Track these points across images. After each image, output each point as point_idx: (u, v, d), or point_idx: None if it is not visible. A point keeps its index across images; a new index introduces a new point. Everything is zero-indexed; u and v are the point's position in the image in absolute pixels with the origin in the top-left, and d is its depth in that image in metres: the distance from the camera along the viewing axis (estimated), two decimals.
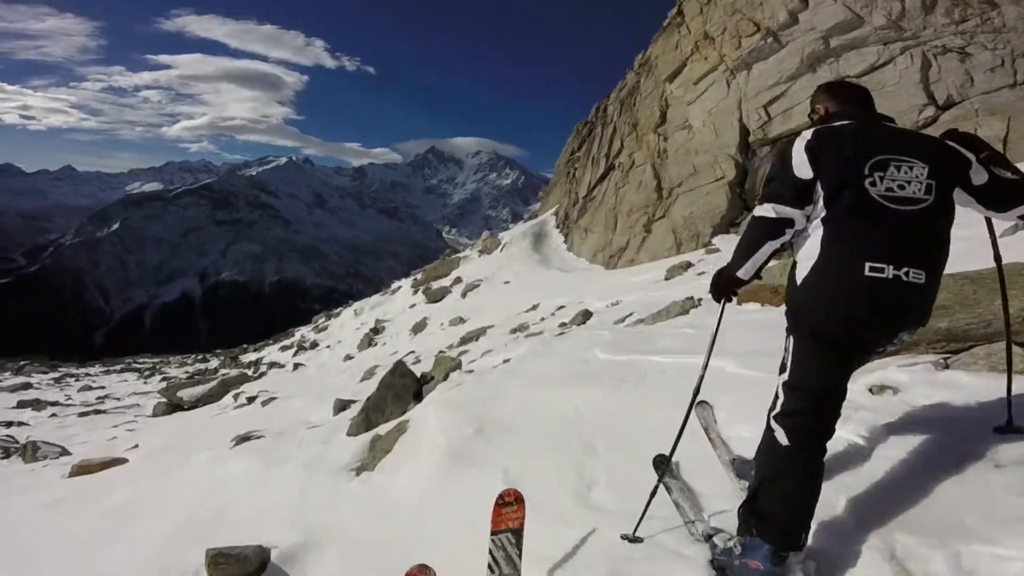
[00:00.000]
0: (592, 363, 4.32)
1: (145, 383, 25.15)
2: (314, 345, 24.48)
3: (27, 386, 21.74)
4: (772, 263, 2.36)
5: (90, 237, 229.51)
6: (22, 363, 32.19)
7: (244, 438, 6.58)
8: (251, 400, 13.86)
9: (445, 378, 5.58)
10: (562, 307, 11.92)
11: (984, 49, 11.43)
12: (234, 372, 23.35)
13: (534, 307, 13.56)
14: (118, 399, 18.66)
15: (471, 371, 5.96)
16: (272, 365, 23.82)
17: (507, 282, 18.78)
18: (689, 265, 9.88)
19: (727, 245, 11.21)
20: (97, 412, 15.33)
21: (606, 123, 23.57)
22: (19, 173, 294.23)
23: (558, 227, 24.92)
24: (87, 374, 29.88)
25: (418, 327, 18.83)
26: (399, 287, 26.31)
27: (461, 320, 16.70)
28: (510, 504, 2.13)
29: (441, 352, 5.62)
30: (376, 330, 21.44)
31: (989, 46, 11.42)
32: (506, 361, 5.91)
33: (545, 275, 18.08)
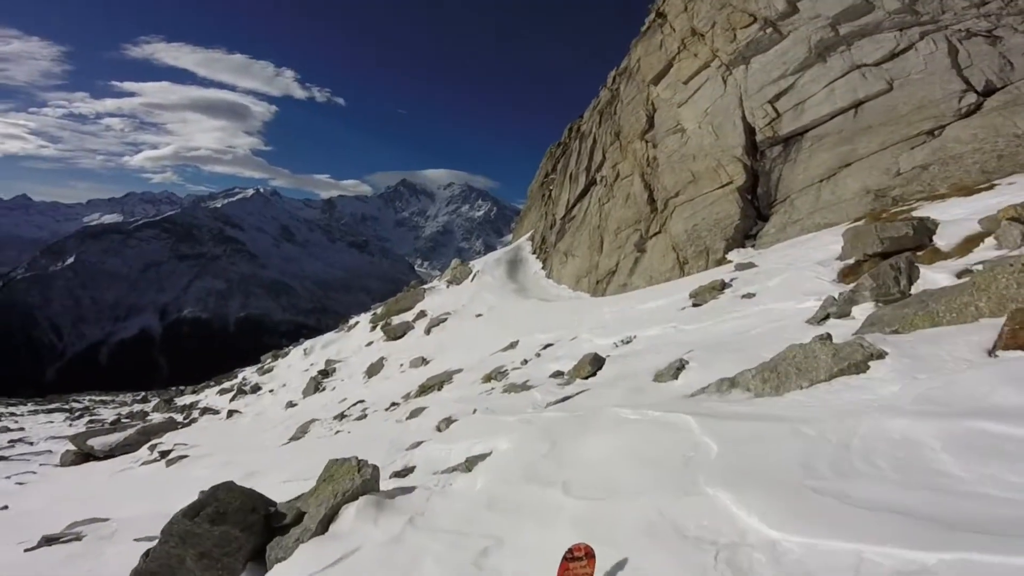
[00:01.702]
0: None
1: (71, 425, 22.59)
2: (255, 389, 20.90)
3: None
4: None
5: (43, 271, 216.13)
6: None
7: (52, 539, 5.36)
8: (164, 455, 12.33)
9: (325, 526, 2.72)
10: (548, 345, 9.20)
11: (1015, 32, 10.23)
12: (160, 418, 19.63)
13: (512, 345, 10.80)
14: (31, 444, 17.28)
15: (402, 490, 3.11)
16: (205, 411, 20.22)
17: (479, 315, 15.96)
18: (724, 285, 7.30)
19: (759, 260, 8.70)
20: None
21: (583, 136, 21.46)
22: None
23: (534, 252, 22.40)
24: (12, 414, 26.21)
25: (373, 369, 15.76)
26: (356, 323, 23.12)
27: (423, 361, 13.76)
28: (579, 559, 1.86)
29: (335, 462, 2.84)
30: (325, 372, 18.17)
31: (1020, 28, 10.23)
32: (478, 459, 3.14)
33: (524, 306, 15.36)
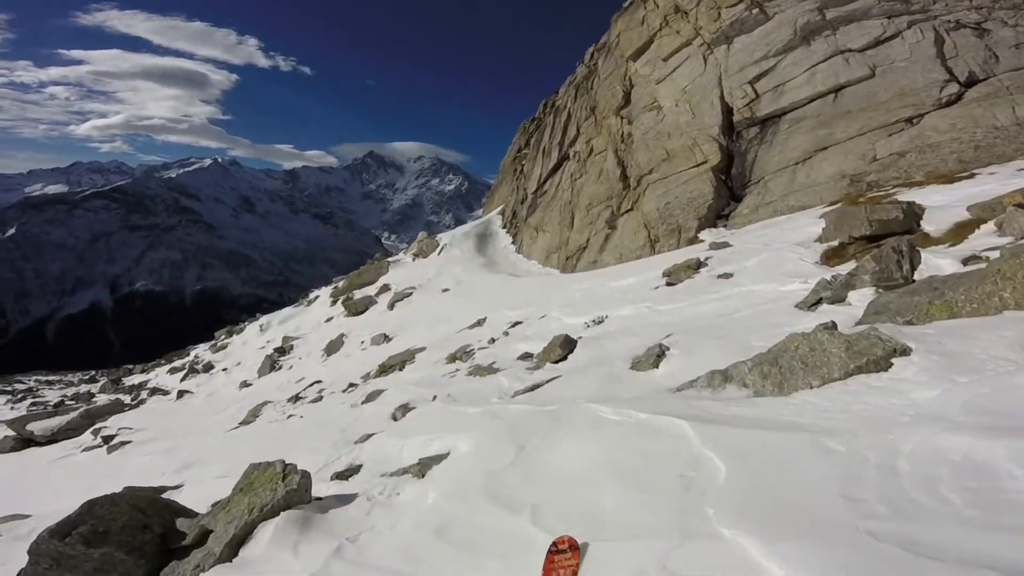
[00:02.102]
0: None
1: (12, 408, 21.24)
2: (208, 368, 19.84)
3: None
4: None
5: None
6: None
7: None
8: (107, 441, 11.63)
9: (233, 550, 2.20)
10: (517, 324, 8.73)
11: (1004, 25, 10.21)
12: (105, 400, 18.44)
13: (479, 322, 10.30)
14: None
15: (339, 500, 2.61)
16: (155, 391, 19.11)
17: (446, 290, 15.36)
18: (700, 264, 6.93)
19: (733, 240, 8.40)
20: None
21: (558, 111, 20.79)
22: None
23: (505, 227, 21.81)
24: None
25: (332, 347, 15.02)
26: (316, 297, 22.14)
27: (385, 338, 13.14)
28: (563, 551, 1.75)
29: (257, 467, 2.37)
30: (282, 350, 17.31)
31: (1009, 22, 10.20)
32: (433, 462, 2.67)
33: (492, 281, 14.82)
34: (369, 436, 4.20)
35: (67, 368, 41.84)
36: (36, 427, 13.35)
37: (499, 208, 25.01)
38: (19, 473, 10.40)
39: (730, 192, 11.43)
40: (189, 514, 2.74)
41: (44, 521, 5.67)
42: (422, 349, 9.56)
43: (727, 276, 6.07)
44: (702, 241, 10.14)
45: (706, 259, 7.14)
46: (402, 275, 18.54)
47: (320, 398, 9.37)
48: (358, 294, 18.53)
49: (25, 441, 12.99)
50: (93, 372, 34.44)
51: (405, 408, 5.16)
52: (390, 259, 21.48)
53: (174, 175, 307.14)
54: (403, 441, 3.56)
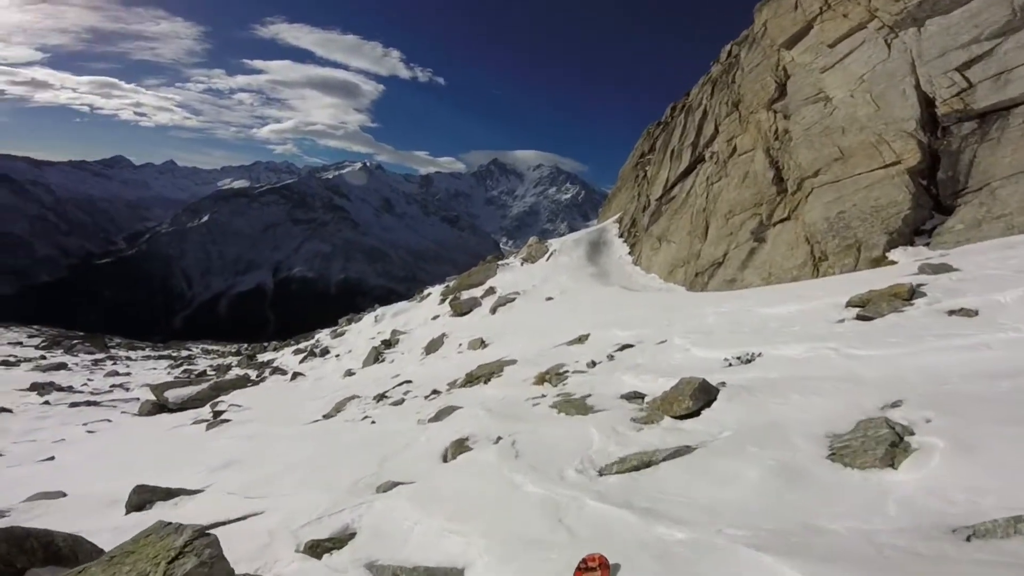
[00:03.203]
0: None
1: (168, 374, 23.47)
2: (324, 352, 20.59)
3: (61, 366, 21.45)
4: None
5: (182, 227, 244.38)
6: (75, 342, 31.08)
7: None
8: (215, 416, 11.93)
9: None
10: (627, 347, 7.02)
11: None
12: (231, 376, 19.94)
13: (581, 339, 8.73)
14: (127, 390, 17.95)
15: None
16: (276, 371, 20.17)
17: (550, 298, 13.98)
18: (913, 293, 4.69)
19: (956, 261, 5.85)
20: (89, 404, 14.64)
21: (691, 110, 18.38)
22: (128, 165, 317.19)
23: (621, 236, 19.87)
24: (128, 358, 28.52)
25: (432, 345, 14.39)
26: (429, 294, 22.03)
27: (482, 343, 12.11)
28: (593, 570, 1.80)
29: (158, 529, 1.35)
30: (389, 343, 17.18)
31: None
32: None
33: (602, 293, 13.10)
34: (395, 486, 2.96)
35: (231, 339, 47.99)
36: (171, 394, 14.23)
37: (616, 216, 23.09)
38: (134, 440, 10.71)
39: (935, 201, 8.52)
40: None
41: (66, 505, 5.26)
42: (513, 362, 8.24)
43: (968, 313, 3.85)
44: (893, 263, 7.51)
45: (918, 286, 4.86)
46: (509, 279, 17.54)
47: (402, 401, 8.50)
48: (465, 295, 17.90)
49: (160, 406, 13.79)
50: (244, 346, 38.63)
51: (460, 446, 3.87)
52: (500, 262, 20.69)
53: (331, 176, 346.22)
54: (418, 518, 2.23)
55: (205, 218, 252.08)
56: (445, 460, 3.84)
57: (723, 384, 3.86)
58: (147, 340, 39.47)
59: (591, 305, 11.64)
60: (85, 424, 12.07)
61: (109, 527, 4.26)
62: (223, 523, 3.45)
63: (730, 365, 4.61)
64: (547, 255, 18.42)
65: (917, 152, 8.86)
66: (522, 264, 19.09)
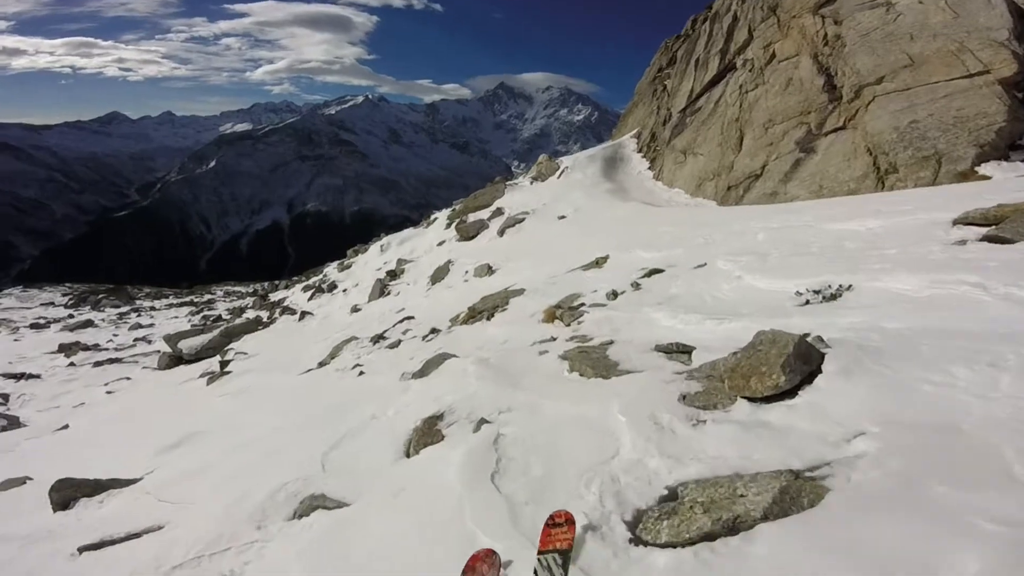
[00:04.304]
0: None
1: (188, 321, 22.97)
2: (332, 287, 19.66)
3: (88, 324, 21.42)
4: None
5: (191, 174, 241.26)
6: (100, 296, 30.84)
7: None
8: (223, 367, 11.22)
9: None
10: (656, 272, 5.67)
11: None
12: (242, 320, 19.24)
13: (598, 262, 7.41)
14: (149, 343, 17.73)
15: None
16: (285, 311, 19.41)
17: (562, 217, 12.50)
18: None
19: None
20: (112, 361, 14.53)
21: (717, 18, 15.75)
22: (125, 120, 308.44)
23: (640, 151, 17.86)
24: (152, 308, 28.28)
25: (438, 274, 13.25)
26: (435, 218, 20.56)
27: (489, 270, 10.89)
28: (560, 525, 1.77)
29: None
30: (394, 273, 16.09)
31: None
32: None
33: (621, 210, 11.54)
34: (316, 509, 1.85)
35: (254, 278, 47.87)
36: (185, 345, 13.60)
37: (633, 132, 20.82)
38: (133, 404, 10.06)
39: None
40: None
41: (13, 497, 4.44)
42: (520, 292, 7.02)
43: None
44: (985, 177, 5.97)
45: None
46: (518, 199, 15.95)
47: (398, 343, 7.46)
48: (471, 217, 16.44)
49: (176, 358, 13.23)
50: (264, 284, 38.04)
51: (430, 430, 2.77)
52: (508, 182, 18.93)
53: (333, 112, 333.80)
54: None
55: (212, 163, 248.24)
56: (407, 455, 2.73)
57: (820, 341, 2.51)
58: (175, 286, 39.36)
59: (609, 223, 10.16)
60: (106, 384, 11.89)
61: (23, 533, 3.36)
62: (111, 541, 2.51)
63: (806, 302, 3.28)
64: (559, 172, 16.65)
65: (1012, 62, 6.97)
66: (532, 183, 17.38)
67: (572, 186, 14.65)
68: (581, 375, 3.35)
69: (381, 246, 20.62)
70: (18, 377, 12.88)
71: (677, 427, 2.28)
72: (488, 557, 1.75)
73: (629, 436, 2.21)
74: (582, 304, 5.25)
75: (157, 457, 4.46)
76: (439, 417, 3.01)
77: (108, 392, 11.32)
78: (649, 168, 16.08)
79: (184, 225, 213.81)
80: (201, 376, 11.14)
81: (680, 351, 3.26)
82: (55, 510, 3.63)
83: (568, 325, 4.88)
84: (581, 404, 2.70)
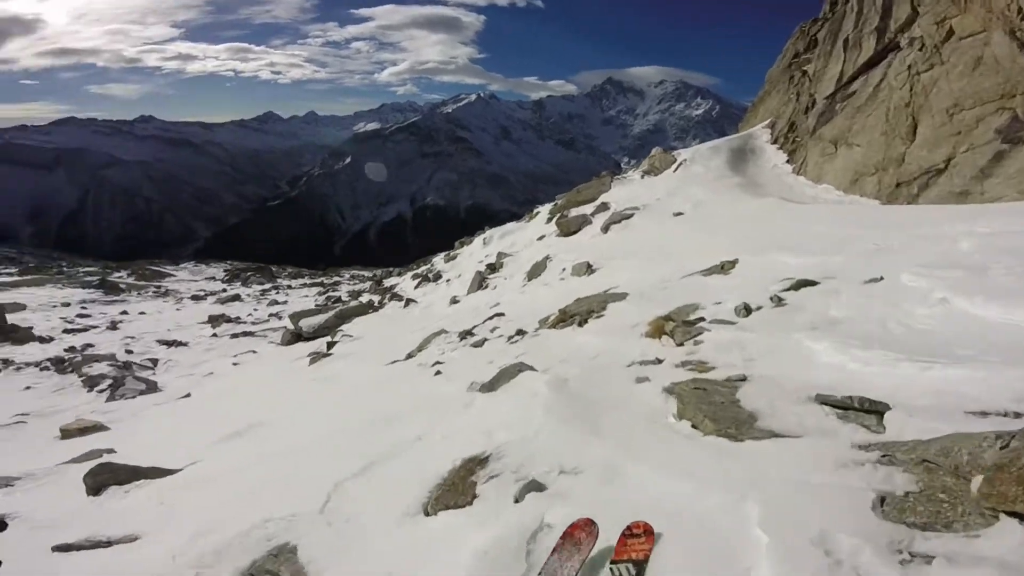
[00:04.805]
0: None
1: (315, 300, 24.78)
2: (437, 277, 19.92)
3: (235, 298, 23.46)
4: None
5: (330, 169, 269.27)
6: (248, 274, 34.87)
7: None
8: (329, 347, 11.49)
9: None
10: (805, 284, 4.33)
11: None
12: (355, 303, 20.24)
13: (723, 267, 6.11)
14: (280, 319, 18.55)
15: None
16: (394, 297, 20.11)
17: (678, 214, 11.05)
18: None
19: None
20: (246, 334, 15.66)
21: None
22: (279, 120, 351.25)
23: (775, 142, 15.54)
24: (289, 287, 31.09)
25: (535, 270, 12.55)
26: (538, 212, 19.88)
27: (589, 268, 9.93)
28: (638, 536, 1.68)
29: None
30: (494, 267, 15.70)
31: None
32: None
33: (752, 206, 9.82)
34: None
35: (380, 263, 51.72)
36: (304, 323, 14.14)
37: (766, 122, 18.25)
38: (248, 377, 10.65)
39: None
40: None
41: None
42: (622, 296, 5.99)
43: None
44: None
45: None
46: (625, 194, 14.65)
47: (482, 342, 6.85)
48: (573, 212, 15.48)
49: (297, 335, 13.82)
50: (388, 269, 40.49)
51: (462, 484, 2.03)
52: (616, 177, 17.60)
53: (450, 110, 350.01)
54: None
55: (348, 160, 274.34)
56: (425, 511, 2.01)
57: None
58: (314, 268, 43.72)
59: (737, 221, 8.62)
60: (235, 356, 12.71)
61: (50, 518, 3.28)
62: (79, 546, 2.61)
63: None
64: (675, 166, 15.01)
65: None
66: (643, 177, 15.92)
67: (691, 180, 13.02)
68: (695, 426, 2.36)
69: (484, 239, 20.44)
70: (169, 344, 14.24)
71: (873, 570, 1.25)
72: (587, 526, 1.74)
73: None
74: (700, 319, 4.14)
75: (211, 447, 4.32)
76: (482, 461, 2.27)
77: (235, 364, 12.11)
78: (788, 161, 13.87)
79: (323, 215, 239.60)
80: (309, 355, 11.61)
81: (863, 409, 2.13)
82: (88, 494, 3.59)
83: (681, 344, 3.82)
84: (689, 481, 1.76)
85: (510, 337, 6.51)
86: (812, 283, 4.15)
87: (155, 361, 12.57)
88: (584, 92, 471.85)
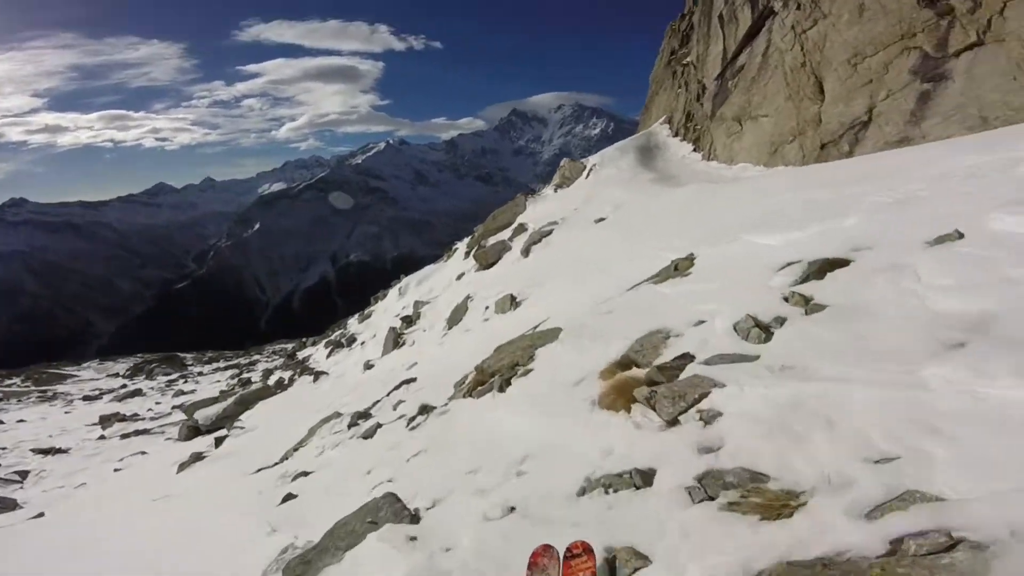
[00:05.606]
0: None
1: (227, 385, 22.08)
2: (351, 341, 17.48)
3: (137, 393, 21.07)
4: None
5: (239, 238, 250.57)
6: (153, 365, 30.38)
7: None
8: (217, 443, 10.21)
9: None
10: (829, 266, 2.77)
11: None
12: (256, 386, 17.26)
13: (678, 266, 4.54)
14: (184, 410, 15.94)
15: None
16: (304, 371, 17.33)
17: (600, 219, 9.72)
18: None
19: None
20: (139, 433, 14.09)
21: None
22: (171, 190, 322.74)
23: (676, 135, 14.97)
24: (200, 373, 27.59)
25: (455, 316, 10.65)
26: (456, 249, 18.15)
27: (513, 302, 8.19)
28: (578, 555, 1.73)
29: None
30: (409, 319, 13.59)
31: None
32: None
33: (677, 197, 8.65)
34: None
35: (308, 332, 47.14)
36: (200, 415, 12.72)
37: (660, 120, 17.95)
38: (139, 481, 8.68)
39: None
40: None
41: None
42: (554, 335, 4.25)
43: None
44: None
45: None
46: (541, 210, 13.30)
47: (375, 430, 4.80)
48: (491, 240, 13.89)
49: (195, 429, 12.30)
50: (302, 340, 36.64)
51: None
52: (529, 197, 16.27)
53: (359, 161, 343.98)
54: None
55: (257, 226, 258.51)
56: None
57: None
58: (240, 348, 39.36)
59: (666, 214, 7.34)
60: (120, 460, 11.39)
61: None
62: None
63: None
64: (586, 172, 13.86)
65: None
66: (556, 191, 14.71)
67: (605, 183, 11.87)
68: None
69: (400, 289, 18.30)
70: (47, 452, 12.45)
71: None
72: (547, 551, 1.76)
73: None
74: (684, 356, 2.44)
75: None
76: None
77: (116, 470, 10.63)
78: (695, 150, 13.20)
79: (240, 289, 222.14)
80: (191, 455, 9.23)
81: None
82: None
83: (674, 422, 2.03)
84: None
85: (411, 419, 4.50)
86: (843, 262, 2.62)
87: (24, 473, 10.74)
88: (492, 126, 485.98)
